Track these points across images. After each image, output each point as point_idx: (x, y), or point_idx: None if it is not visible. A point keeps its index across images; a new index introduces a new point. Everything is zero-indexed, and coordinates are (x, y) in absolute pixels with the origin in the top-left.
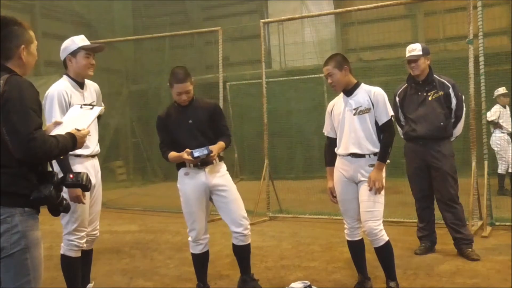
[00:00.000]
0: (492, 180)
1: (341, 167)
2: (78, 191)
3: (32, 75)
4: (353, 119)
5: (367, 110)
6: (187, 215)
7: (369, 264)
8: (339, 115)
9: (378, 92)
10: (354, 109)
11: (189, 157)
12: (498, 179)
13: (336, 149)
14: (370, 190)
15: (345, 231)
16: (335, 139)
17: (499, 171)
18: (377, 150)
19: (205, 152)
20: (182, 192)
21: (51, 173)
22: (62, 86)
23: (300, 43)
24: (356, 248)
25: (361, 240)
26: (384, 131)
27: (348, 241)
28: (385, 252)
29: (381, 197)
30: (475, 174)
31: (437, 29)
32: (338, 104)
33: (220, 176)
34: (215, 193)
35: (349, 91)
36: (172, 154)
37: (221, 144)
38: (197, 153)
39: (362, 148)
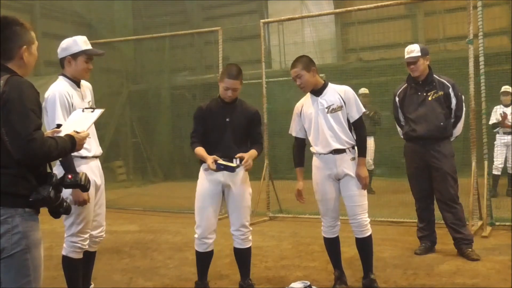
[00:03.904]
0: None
1: (323, 166)
2: (84, 195)
3: (32, 75)
4: (327, 117)
5: (339, 108)
6: (197, 209)
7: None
8: (311, 115)
9: (348, 90)
10: (327, 108)
11: (213, 166)
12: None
13: (314, 149)
14: (362, 186)
15: (323, 229)
16: (304, 139)
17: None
18: (353, 143)
19: (231, 165)
20: (198, 186)
21: (50, 174)
22: (62, 87)
23: (300, 43)
24: (334, 244)
25: (338, 237)
26: (357, 128)
27: (326, 238)
28: (368, 243)
29: (365, 191)
30: (475, 174)
31: (437, 29)
32: (307, 105)
33: (237, 180)
34: (227, 192)
35: (318, 91)
36: (200, 150)
37: (253, 152)
38: (222, 165)
39: (343, 143)
